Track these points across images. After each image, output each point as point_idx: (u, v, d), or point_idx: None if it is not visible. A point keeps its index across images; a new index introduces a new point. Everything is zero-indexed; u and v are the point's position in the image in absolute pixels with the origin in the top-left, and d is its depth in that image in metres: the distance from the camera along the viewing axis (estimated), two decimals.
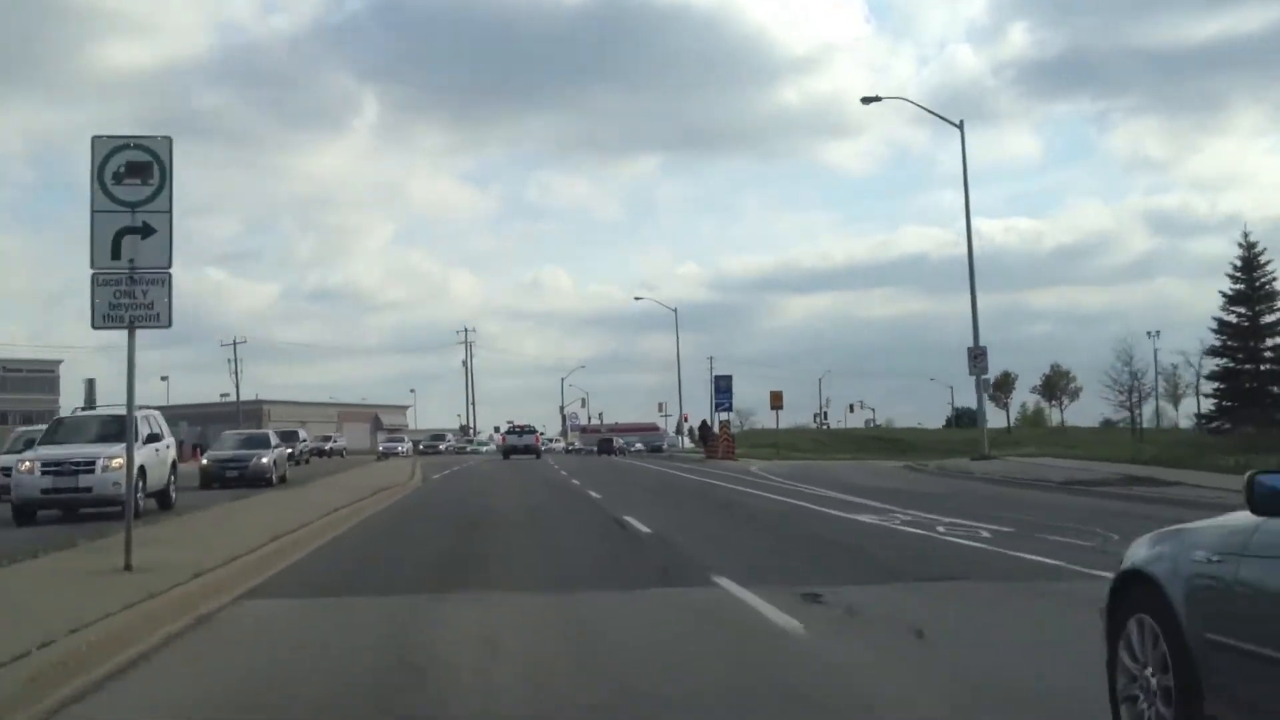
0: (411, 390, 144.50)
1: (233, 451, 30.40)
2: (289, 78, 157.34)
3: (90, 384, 54.13)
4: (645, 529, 15.57)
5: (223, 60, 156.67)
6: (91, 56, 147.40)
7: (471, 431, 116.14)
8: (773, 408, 65.56)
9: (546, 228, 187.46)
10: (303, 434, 57.78)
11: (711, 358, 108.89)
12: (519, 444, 63.17)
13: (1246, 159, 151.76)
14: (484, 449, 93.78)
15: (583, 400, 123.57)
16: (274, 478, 29.43)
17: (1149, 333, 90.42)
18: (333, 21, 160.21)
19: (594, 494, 24.46)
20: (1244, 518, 4.15)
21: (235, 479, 28.54)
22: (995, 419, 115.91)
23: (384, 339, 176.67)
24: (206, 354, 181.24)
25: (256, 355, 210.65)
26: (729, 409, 59.71)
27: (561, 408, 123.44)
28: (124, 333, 10.17)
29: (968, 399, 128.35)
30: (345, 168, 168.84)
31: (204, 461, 30.93)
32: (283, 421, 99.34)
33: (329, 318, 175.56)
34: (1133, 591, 4.72)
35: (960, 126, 43.99)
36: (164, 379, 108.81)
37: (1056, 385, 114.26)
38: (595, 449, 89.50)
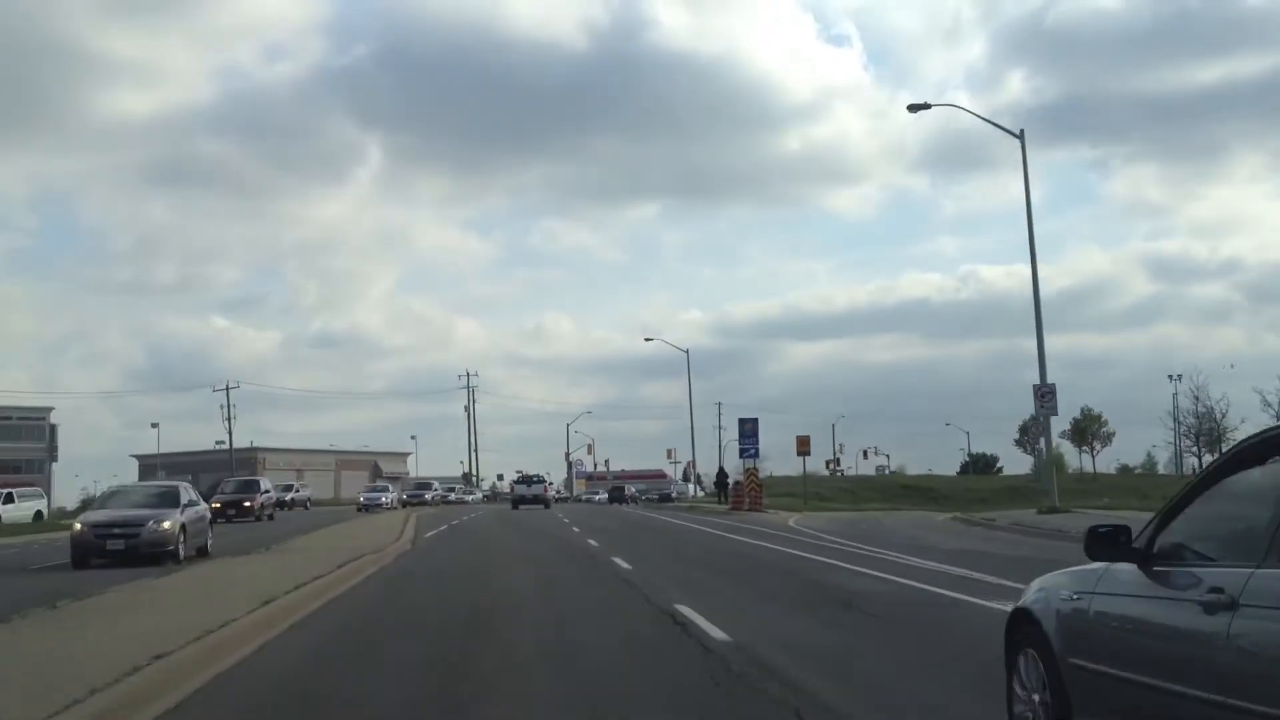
0: (412, 437, 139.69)
1: (122, 512, 21.48)
2: (293, 125, 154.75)
3: (53, 430, 48.89)
4: (719, 633, 10.30)
5: (226, 107, 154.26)
6: (95, 103, 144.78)
7: (474, 479, 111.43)
8: (799, 454, 60.34)
9: (549, 274, 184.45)
10: (265, 484, 49.47)
11: (720, 403, 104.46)
12: (528, 494, 61.22)
13: (1246, 204, 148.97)
14: (469, 498, 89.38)
15: (589, 446, 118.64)
16: (180, 550, 20.84)
17: (1170, 376, 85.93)
18: (336, 69, 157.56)
19: (622, 563, 19.32)
20: (1099, 563, 4.90)
21: (121, 552, 20.32)
22: (1022, 464, 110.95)
23: (387, 385, 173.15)
24: (205, 401, 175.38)
25: (258, 403, 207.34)
26: (756, 455, 54.41)
27: (567, 454, 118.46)
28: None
29: (982, 445, 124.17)
30: (349, 214, 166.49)
31: (77, 527, 21.62)
32: (278, 470, 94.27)
33: (332, 364, 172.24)
34: (1021, 627, 5.42)
35: (1020, 136, 39.72)
36: (154, 425, 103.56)
37: (1087, 429, 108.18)
38: (606, 497, 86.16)
